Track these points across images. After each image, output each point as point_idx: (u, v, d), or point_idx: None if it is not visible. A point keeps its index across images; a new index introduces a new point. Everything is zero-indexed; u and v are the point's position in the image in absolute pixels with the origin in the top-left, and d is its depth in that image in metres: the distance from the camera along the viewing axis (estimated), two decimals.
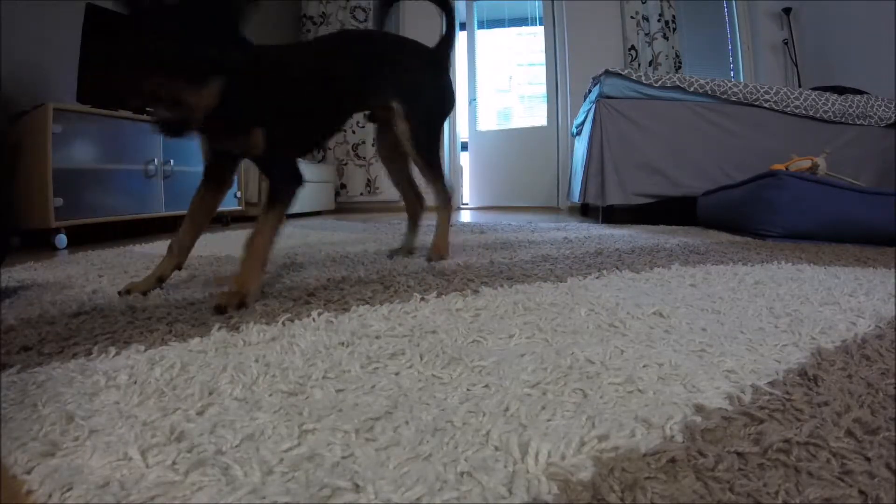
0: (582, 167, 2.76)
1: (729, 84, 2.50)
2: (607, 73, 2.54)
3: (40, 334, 0.68)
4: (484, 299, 0.82)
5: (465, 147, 4.77)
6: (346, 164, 4.45)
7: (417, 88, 1.04)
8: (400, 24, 4.53)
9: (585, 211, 3.57)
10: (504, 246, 1.55)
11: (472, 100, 4.64)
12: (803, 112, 2.49)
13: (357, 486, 0.33)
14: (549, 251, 1.41)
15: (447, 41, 1.14)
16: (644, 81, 2.50)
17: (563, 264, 1.17)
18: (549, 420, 0.42)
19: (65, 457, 0.37)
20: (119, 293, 0.92)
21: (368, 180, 4.45)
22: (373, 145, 4.21)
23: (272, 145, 0.87)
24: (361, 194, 4.45)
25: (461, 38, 4.65)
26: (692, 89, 2.49)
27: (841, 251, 1.35)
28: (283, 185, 0.89)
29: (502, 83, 4.90)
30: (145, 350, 0.60)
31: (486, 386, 0.49)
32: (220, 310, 0.76)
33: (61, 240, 1.93)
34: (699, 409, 0.43)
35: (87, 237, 2.16)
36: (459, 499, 0.32)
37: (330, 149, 4.46)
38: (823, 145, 2.21)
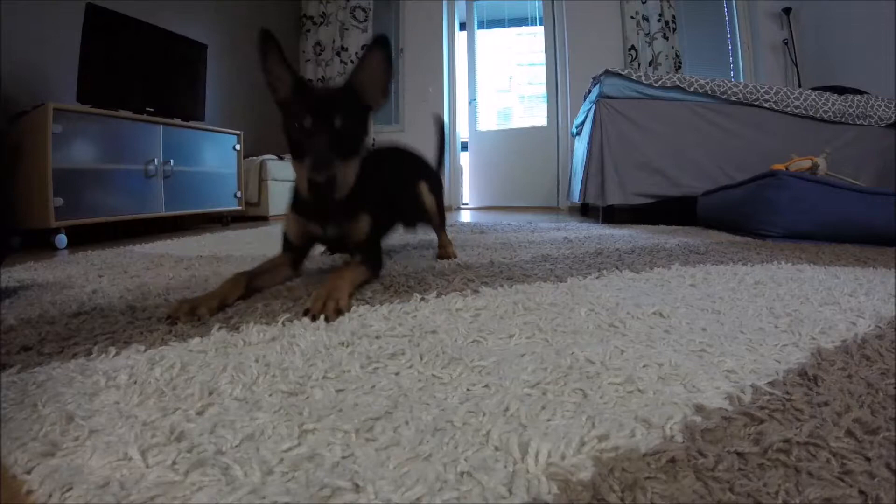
0: (582, 167, 2.76)
1: (729, 84, 2.50)
2: (607, 73, 2.54)
3: (40, 334, 0.68)
4: (484, 299, 0.82)
5: (465, 147, 4.76)
6: None
7: (432, 176, 1.46)
8: (400, 23, 4.54)
9: (585, 211, 3.57)
10: (504, 246, 1.55)
11: (472, 100, 4.64)
12: (803, 112, 2.49)
13: (357, 486, 0.33)
14: (549, 251, 1.41)
15: (440, 150, 1.60)
16: (644, 81, 2.50)
17: (563, 264, 1.17)
18: (549, 420, 0.42)
19: (65, 457, 0.37)
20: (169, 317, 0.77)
21: None
22: None
23: (372, 230, 1.00)
24: None
25: (461, 38, 4.65)
26: (692, 89, 2.49)
27: (841, 251, 1.35)
28: (374, 269, 1.00)
29: (502, 83, 4.89)
30: (145, 350, 0.60)
31: (486, 386, 0.49)
32: (314, 316, 0.73)
33: (61, 240, 1.93)
34: (699, 409, 0.43)
35: (87, 237, 2.16)
36: (459, 499, 0.32)
37: None
38: (823, 145, 2.21)
